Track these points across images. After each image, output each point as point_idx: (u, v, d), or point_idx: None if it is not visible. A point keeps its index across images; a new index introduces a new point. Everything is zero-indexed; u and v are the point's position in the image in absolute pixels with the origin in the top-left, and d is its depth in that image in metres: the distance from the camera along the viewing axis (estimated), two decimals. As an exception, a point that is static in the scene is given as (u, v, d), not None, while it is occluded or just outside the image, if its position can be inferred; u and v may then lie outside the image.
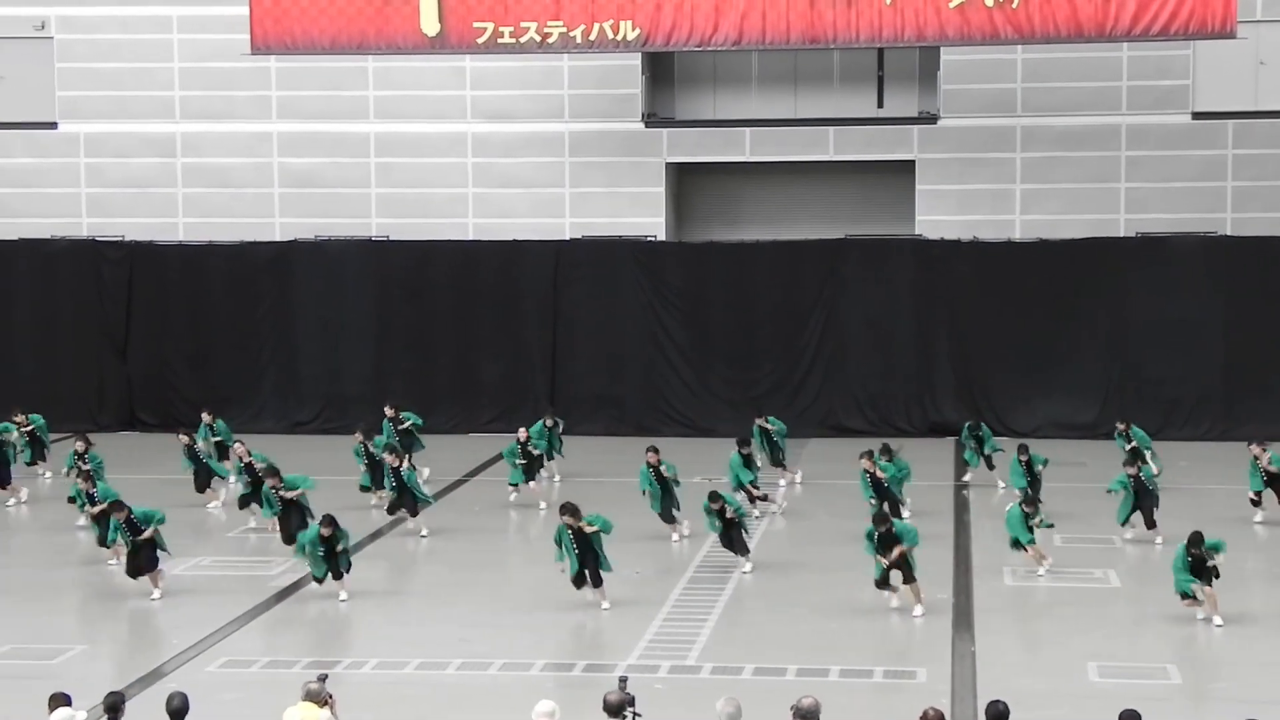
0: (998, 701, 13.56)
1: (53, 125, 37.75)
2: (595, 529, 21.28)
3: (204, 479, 28.11)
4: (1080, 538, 25.32)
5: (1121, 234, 35.88)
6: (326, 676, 14.40)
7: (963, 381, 35.17)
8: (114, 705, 13.58)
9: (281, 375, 36.84)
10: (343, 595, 21.91)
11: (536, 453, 28.64)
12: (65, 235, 37.42)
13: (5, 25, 37.63)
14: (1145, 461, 26.13)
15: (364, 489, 27.73)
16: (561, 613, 21.14)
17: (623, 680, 14.06)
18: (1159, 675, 18.81)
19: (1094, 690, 18.20)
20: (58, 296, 37.02)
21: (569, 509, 21.48)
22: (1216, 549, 20.57)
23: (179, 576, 23.46)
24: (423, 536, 25.83)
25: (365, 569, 24.52)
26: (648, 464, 25.31)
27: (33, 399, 34.53)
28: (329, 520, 21.81)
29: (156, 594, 21.95)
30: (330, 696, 14.17)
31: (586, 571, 21.29)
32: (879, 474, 25.27)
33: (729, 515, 23.06)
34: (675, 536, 25.25)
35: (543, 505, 27.80)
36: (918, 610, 21.04)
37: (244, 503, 26.39)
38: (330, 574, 21.83)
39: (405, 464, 26.18)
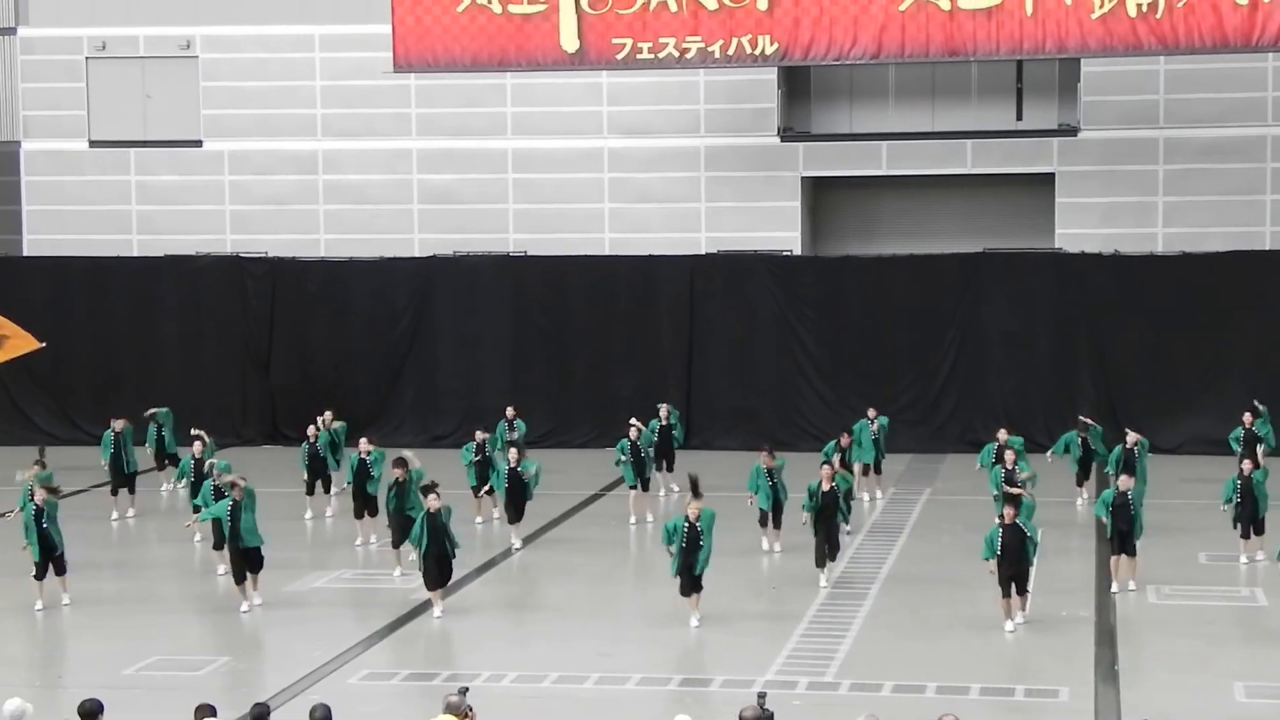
0: (1144, 721, 13.36)
1: (198, 143, 38.44)
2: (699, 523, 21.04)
3: (312, 481, 28.50)
4: (1226, 555, 24.85)
5: (1267, 247, 35.25)
6: (467, 689, 14.46)
7: (1103, 397, 34.69)
8: (260, 716, 13.74)
9: (420, 389, 37.18)
10: (437, 612, 21.84)
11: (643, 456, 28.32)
12: (210, 252, 38.06)
13: (152, 45, 38.40)
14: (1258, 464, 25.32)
15: (475, 489, 27.82)
16: (700, 627, 21.07)
17: (761, 696, 14.01)
18: (1309, 697, 18.42)
19: (1241, 711, 17.84)
20: (203, 312, 37.64)
21: (695, 492, 21.32)
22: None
23: (320, 589, 23.76)
24: (515, 549, 25.91)
25: (503, 583, 24.70)
26: (762, 465, 25.31)
27: (178, 413, 35.17)
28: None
29: (253, 602, 22.19)
30: (471, 709, 14.22)
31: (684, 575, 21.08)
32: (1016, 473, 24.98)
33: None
34: (765, 545, 25.20)
35: (648, 518, 27.91)
36: (1018, 617, 20.82)
37: (359, 513, 26.50)
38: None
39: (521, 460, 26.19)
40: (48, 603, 22.36)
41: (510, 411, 30.39)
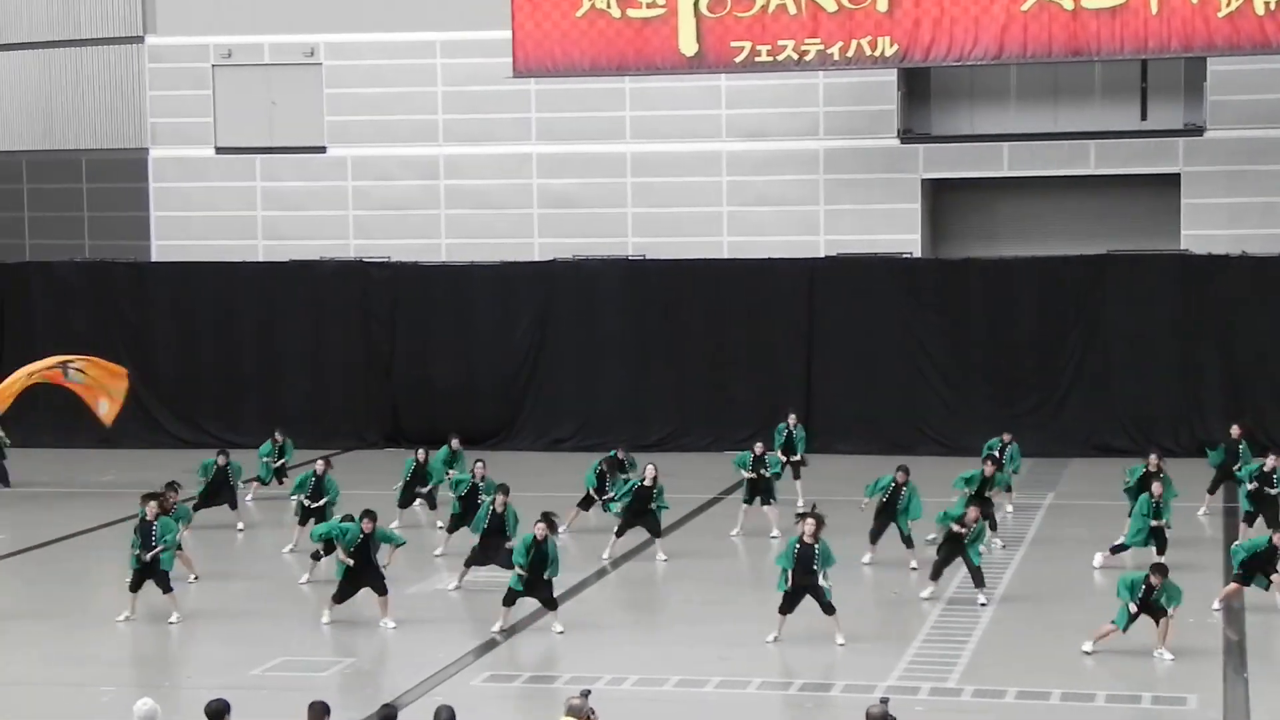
0: (1275, 731, 13.13)
1: (321, 149, 38.88)
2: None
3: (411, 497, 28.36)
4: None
5: (1401, 246, 34.59)
6: (589, 692, 14.51)
7: (1231, 400, 34.11)
8: (388, 717, 13.87)
9: (540, 393, 37.32)
10: (558, 628, 21.44)
11: (767, 474, 27.36)
12: (333, 256, 38.47)
13: (277, 52, 38.88)
14: None
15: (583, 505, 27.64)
16: (822, 633, 20.97)
17: (884, 701, 13.97)
18: None
19: (1376, 722, 17.52)
20: (326, 316, 38.01)
21: (815, 517, 20.81)
22: (1173, 600, 19.69)
23: (442, 591, 23.92)
24: (663, 560, 25.85)
25: (622, 587, 24.76)
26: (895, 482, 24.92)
27: (301, 416, 35.69)
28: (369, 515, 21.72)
29: (389, 624, 21.93)
30: (593, 712, 14.27)
31: (810, 596, 20.59)
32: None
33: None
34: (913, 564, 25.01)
35: (775, 533, 27.39)
36: (1165, 654, 19.86)
37: (453, 525, 26.10)
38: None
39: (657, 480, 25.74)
40: (139, 614, 22.24)
41: (620, 453, 29.81)
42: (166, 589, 22.17)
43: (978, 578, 22.58)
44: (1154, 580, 19.78)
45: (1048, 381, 35.31)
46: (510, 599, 21.33)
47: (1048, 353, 35.32)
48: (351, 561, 21.59)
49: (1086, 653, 19.89)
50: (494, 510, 23.43)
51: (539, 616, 21.80)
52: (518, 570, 21.23)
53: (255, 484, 30.88)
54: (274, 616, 22.71)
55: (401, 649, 21.18)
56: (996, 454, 27.72)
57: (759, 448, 27.49)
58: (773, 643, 20.65)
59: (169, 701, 16.46)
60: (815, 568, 20.44)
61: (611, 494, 26.90)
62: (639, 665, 19.88)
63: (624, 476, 27.70)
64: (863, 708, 14.11)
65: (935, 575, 22.90)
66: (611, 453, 28.69)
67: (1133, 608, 19.77)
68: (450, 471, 28.82)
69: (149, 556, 21.94)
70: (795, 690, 19.06)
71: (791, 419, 29.90)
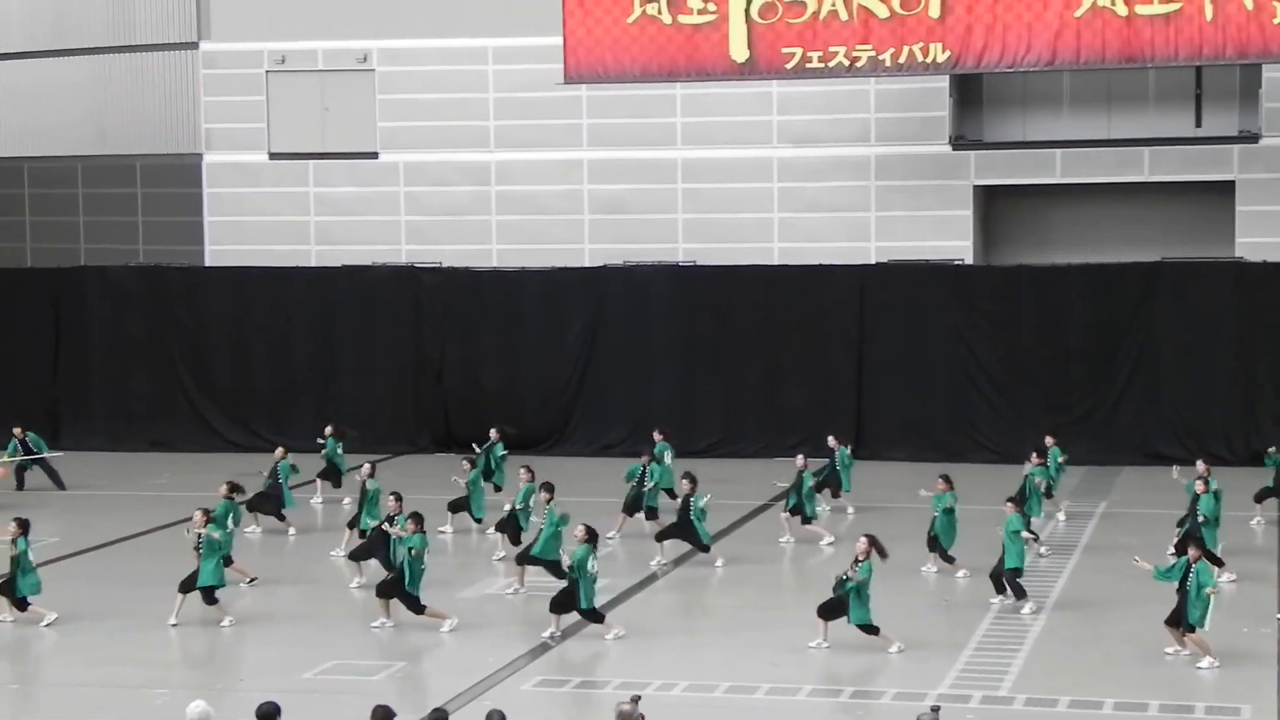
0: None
1: (374, 155, 39.03)
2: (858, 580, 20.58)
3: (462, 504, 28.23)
4: None
5: None
6: (639, 698, 14.51)
7: (1287, 409, 33.94)
8: (438, 721, 13.93)
9: (590, 398, 37.37)
10: (609, 635, 21.49)
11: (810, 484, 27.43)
12: (385, 261, 38.60)
13: (331, 59, 39.07)
14: None
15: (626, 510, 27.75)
16: (873, 640, 20.92)
17: (935, 709, 13.93)
18: None
19: None
20: (378, 321, 38.15)
21: (869, 538, 20.95)
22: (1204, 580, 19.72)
23: (493, 596, 23.98)
24: (719, 566, 25.83)
25: (672, 593, 24.74)
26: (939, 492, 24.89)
27: (353, 421, 35.80)
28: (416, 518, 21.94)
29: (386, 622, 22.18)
30: (643, 717, 14.28)
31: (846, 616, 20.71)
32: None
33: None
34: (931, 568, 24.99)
35: (830, 538, 27.34)
36: (1204, 662, 19.81)
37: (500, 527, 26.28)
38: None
39: (694, 493, 25.54)
40: (193, 617, 22.42)
41: (658, 435, 30.20)
42: (208, 602, 22.35)
43: (1015, 586, 22.49)
44: (1191, 553, 20.02)
45: (1100, 389, 35.13)
46: (560, 607, 21.37)
47: (1100, 360, 35.14)
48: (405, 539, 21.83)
49: (1169, 654, 20.05)
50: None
51: (581, 626, 21.84)
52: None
53: (318, 482, 31.25)
54: (325, 620, 22.82)
55: (453, 653, 21.25)
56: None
57: (800, 460, 27.57)
58: (817, 648, 20.65)
59: (221, 704, 16.55)
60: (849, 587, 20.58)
61: (650, 485, 27.43)
62: (689, 671, 19.90)
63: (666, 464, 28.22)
64: (914, 715, 14.10)
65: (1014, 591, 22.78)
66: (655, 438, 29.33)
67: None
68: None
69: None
70: (846, 698, 19.03)
71: (831, 440, 29.80)
